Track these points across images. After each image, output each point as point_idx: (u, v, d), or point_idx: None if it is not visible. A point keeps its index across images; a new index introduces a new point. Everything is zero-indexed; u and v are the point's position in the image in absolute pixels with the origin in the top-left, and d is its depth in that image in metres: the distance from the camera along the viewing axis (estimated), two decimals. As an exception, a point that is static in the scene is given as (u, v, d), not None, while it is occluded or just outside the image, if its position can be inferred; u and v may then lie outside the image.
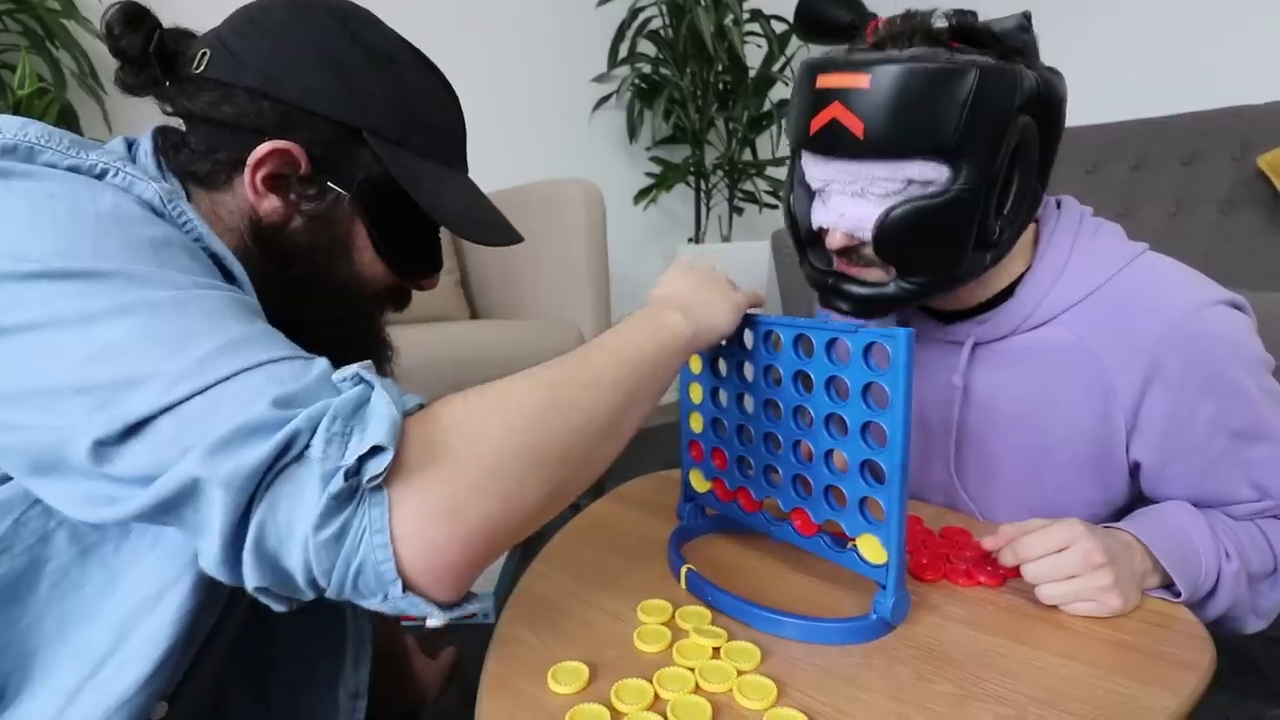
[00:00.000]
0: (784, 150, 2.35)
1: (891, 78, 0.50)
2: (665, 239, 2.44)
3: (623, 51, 2.21)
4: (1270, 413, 0.55)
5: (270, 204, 0.46)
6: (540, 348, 1.39)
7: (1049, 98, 0.54)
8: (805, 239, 0.62)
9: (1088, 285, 0.59)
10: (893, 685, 0.42)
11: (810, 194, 0.60)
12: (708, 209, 2.36)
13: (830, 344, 0.50)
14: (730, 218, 2.36)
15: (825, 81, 0.54)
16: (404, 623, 0.91)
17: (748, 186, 2.36)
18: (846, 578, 0.56)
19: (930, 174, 0.53)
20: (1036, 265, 0.60)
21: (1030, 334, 0.61)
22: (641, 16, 2.18)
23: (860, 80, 0.51)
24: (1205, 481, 0.57)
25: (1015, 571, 0.52)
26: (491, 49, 2.05)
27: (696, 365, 0.62)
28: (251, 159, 0.45)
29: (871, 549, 0.49)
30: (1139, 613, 0.50)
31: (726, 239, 2.38)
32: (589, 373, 0.42)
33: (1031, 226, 0.61)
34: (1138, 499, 0.62)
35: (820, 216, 0.58)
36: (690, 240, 2.36)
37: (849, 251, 0.58)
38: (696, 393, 0.62)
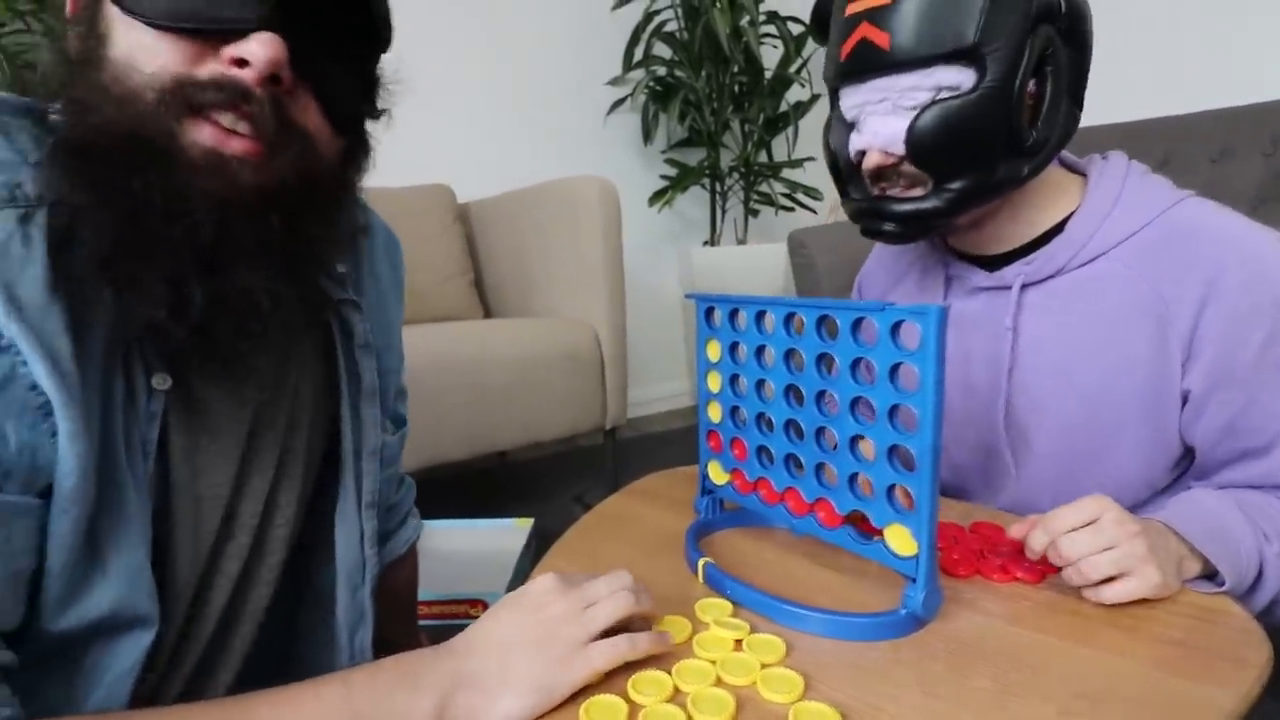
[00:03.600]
0: (801, 152, 2.34)
1: None
2: (679, 242, 2.43)
3: (638, 54, 2.21)
4: None
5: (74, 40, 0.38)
6: (554, 346, 1.38)
7: (1071, 13, 0.56)
8: (845, 173, 0.64)
9: (1141, 219, 0.59)
10: (926, 681, 0.40)
11: (847, 127, 0.62)
12: (723, 211, 2.34)
13: (856, 324, 0.48)
14: (746, 220, 2.34)
15: (854, 7, 0.58)
16: (421, 621, 0.90)
17: (764, 189, 2.34)
18: (873, 573, 0.54)
19: (956, 79, 0.55)
20: (1086, 202, 0.61)
21: (1081, 270, 0.61)
22: (657, 19, 2.18)
23: None
24: (1245, 413, 0.56)
25: (1053, 568, 0.50)
26: (507, 53, 2.06)
27: (715, 353, 0.60)
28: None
29: (900, 540, 0.46)
30: (1184, 608, 0.47)
31: (742, 242, 2.36)
32: None
33: (1078, 178, 0.64)
34: (1175, 483, 0.60)
35: (857, 142, 0.61)
36: (706, 243, 2.35)
37: (887, 174, 0.60)
38: (715, 381, 0.60)
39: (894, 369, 0.45)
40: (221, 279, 0.36)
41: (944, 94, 0.55)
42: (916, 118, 0.56)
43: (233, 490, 0.45)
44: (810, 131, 2.41)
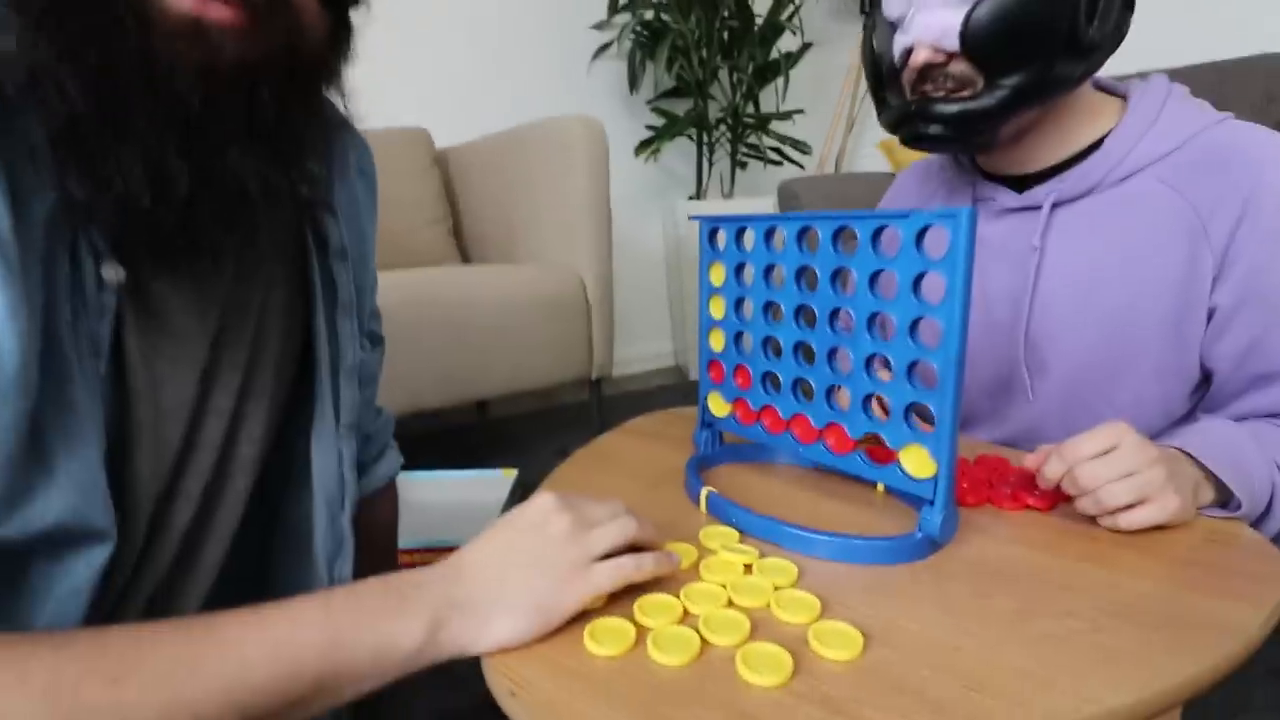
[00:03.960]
0: (791, 104, 2.28)
1: None
2: (665, 197, 2.37)
3: (623, -2, 2.12)
4: None
5: None
6: (538, 291, 1.33)
7: None
8: (887, 77, 0.61)
9: (1179, 137, 0.57)
10: (946, 602, 0.38)
11: (890, 28, 0.60)
12: (710, 164, 2.28)
13: (877, 234, 0.45)
14: (733, 174, 2.29)
15: None
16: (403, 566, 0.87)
17: (753, 140, 2.28)
18: (879, 504, 0.52)
19: None
20: (1126, 120, 0.60)
21: (1115, 189, 0.60)
22: (644, -41, 2.09)
23: None
24: (1269, 334, 0.55)
25: (1064, 495, 0.48)
26: (486, -10, 1.96)
27: (718, 276, 0.57)
28: None
29: (918, 461, 0.44)
30: (1199, 533, 0.46)
31: (729, 196, 2.31)
32: (185, 680, 0.29)
33: (1117, 100, 0.62)
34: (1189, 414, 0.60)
35: (903, 41, 0.58)
36: (691, 197, 2.29)
37: (933, 74, 0.57)
38: (717, 306, 0.57)
39: (918, 280, 0.43)
40: (210, 159, 0.32)
41: None
42: (974, 7, 0.53)
43: (195, 403, 0.41)
44: (800, 83, 2.35)
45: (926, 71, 0.57)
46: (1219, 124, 0.57)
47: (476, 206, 1.63)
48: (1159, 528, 0.46)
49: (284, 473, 0.49)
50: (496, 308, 1.24)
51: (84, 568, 0.34)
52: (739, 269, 0.55)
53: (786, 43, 2.26)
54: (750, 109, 2.26)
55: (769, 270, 0.52)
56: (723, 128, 2.26)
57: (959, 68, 0.56)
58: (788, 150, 2.27)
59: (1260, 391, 0.56)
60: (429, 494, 1.14)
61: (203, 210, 0.33)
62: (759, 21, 2.15)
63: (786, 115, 2.23)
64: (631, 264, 2.27)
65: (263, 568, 0.51)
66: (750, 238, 0.54)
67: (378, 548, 0.66)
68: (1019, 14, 0.53)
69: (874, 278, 0.45)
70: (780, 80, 2.24)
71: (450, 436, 1.72)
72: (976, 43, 0.54)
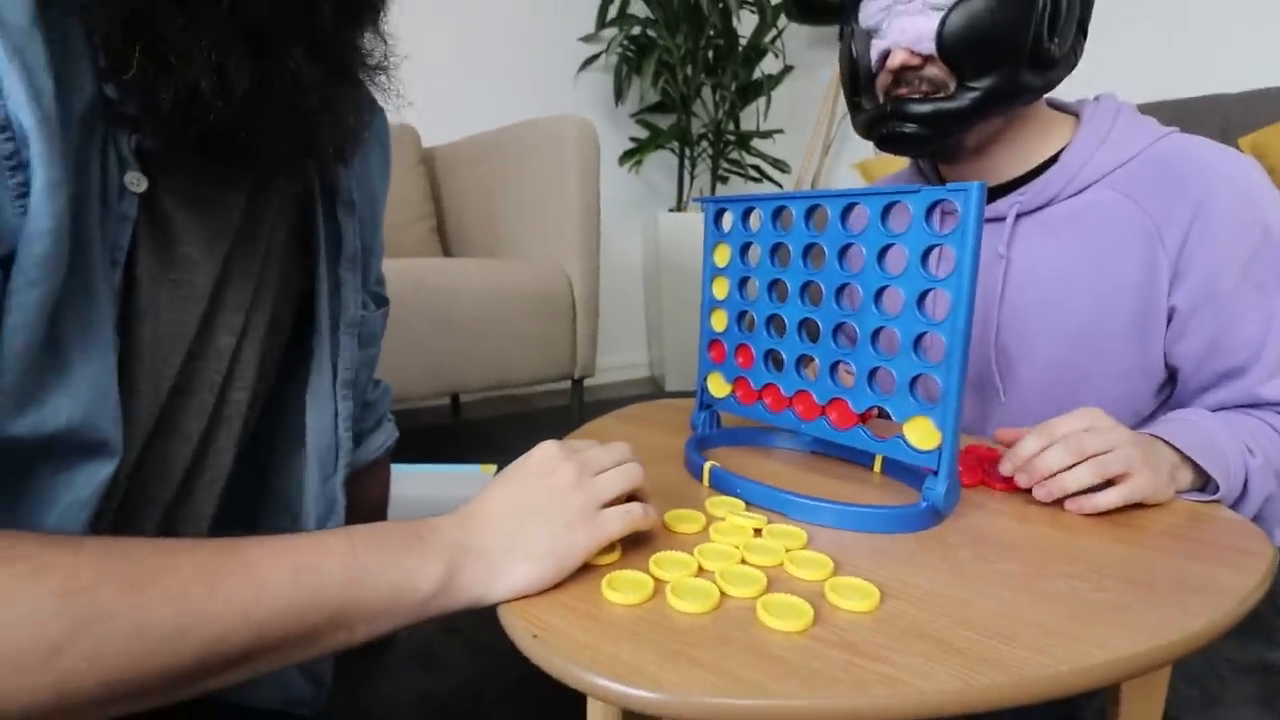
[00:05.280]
0: (771, 124, 2.33)
1: None
2: (646, 209, 2.39)
3: (613, 12, 2.15)
4: None
5: None
6: (524, 286, 1.32)
7: None
8: (863, 82, 0.64)
9: (1131, 149, 0.61)
10: (954, 565, 0.39)
11: (867, 35, 0.63)
12: (691, 178, 2.32)
13: (887, 210, 0.46)
14: (714, 188, 2.33)
15: None
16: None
17: (733, 156, 2.33)
18: (879, 482, 0.53)
19: None
20: (1079, 135, 0.63)
21: (1074, 199, 0.63)
22: (634, -25, 2.13)
23: None
24: (1227, 331, 0.58)
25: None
26: (473, 2, 1.97)
27: (723, 257, 0.58)
28: None
29: (922, 433, 0.45)
30: (1182, 514, 0.47)
31: (708, 211, 2.34)
32: (205, 598, 0.28)
33: (1070, 117, 0.66)
34: (1159, 409, 0.63)
35: (880, 45, 0.61)
36: (671, 210, 2.32)
37: (908, 77, 0.60)
38: (721, 287, 0.58)
39: (926, 253, 0.44)
40: (273, 61, 0.32)
41: None
42: (949, 12, 0.57)
43: (196, 336, 0.39)
44: (780, 104, 2.41)
45: (901, 74, 0.60)
46: (1167, 137, 0.61)
47: (462, 205, 1.62)
48: (1142, 507, 0.47)
49: (276, 431, 0.48)
50: (481, 300, 1.23)
51: (89, 479, 0.32)
52: (745, 248, 0.56)
53: (769, 65, 2.32)
54: (732, 126, 2.31)
55: (775, 249, 0.53)
56: (705, 143, 2.29)
57: (932, 70, 0.59)
58: (767, 168, 2.32)
59: (1225, 386, 0.59)
60: (409, 487, 1.11)
61: (259, 112, 0.33)
62: (743, 42, 2.21)
63: (767, 134, 2.28)
64: (610, 273, 2.27)
65: (251, 530, 0.49)
66: (757, 217, 0.55)
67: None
68: (989, 23, 0.57)
69: (882, 253, 0.46)
70: (762, 100, 2.29)
71: (425, 435, 1.68)
72: (951, 46, 0.57)
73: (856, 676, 0.28)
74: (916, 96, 0.60)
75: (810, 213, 0.51)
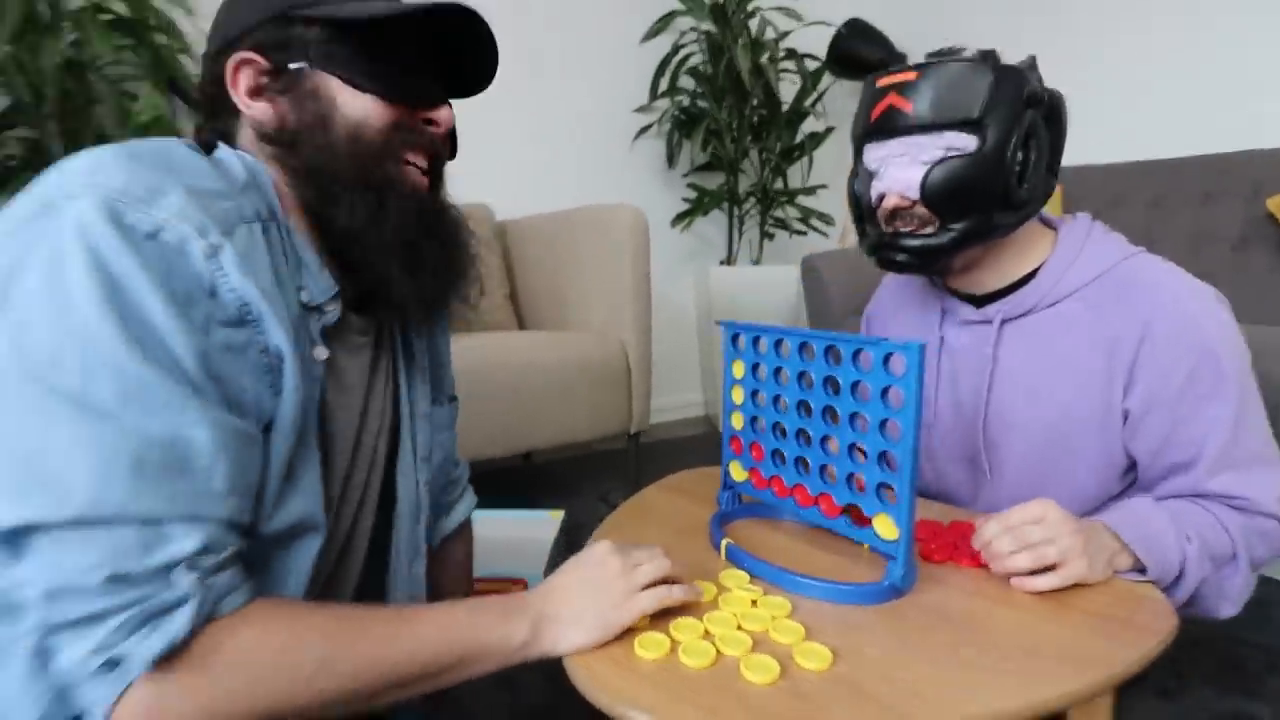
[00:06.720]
0: (815, 179, 2.46)
1: (933, 70, 0.69)
2: (698, 261, 2.55)
3: (664, 85, 2.34)
4: (1233, 381, 0.66)
5: (260, 109, 0.52)
6: (585, 357, 1.51)
7: (1052, 105, 0.70)
8: (865, 213, 0.77)
9: (1097, 269, 0.72)
10: (900, 634, 0.52)
11: (870, 176, 0.75)
12: (740, 233, 2.47)
13: (856, 354, 0.60)
14: (761, 243, 2.47)
15: (884, 81, 0.72)
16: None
17: (779, 213, 2.47)
18: (863, 554, 0.65)
19: (962, 142, 0.68)
20: (1054, 255, 0.74)
21: (1049, 310, 0.74)
22: (683, 53, 2.32)
23: (910, 75, 0.70)
24: (1175, 432, 0.67)
25: None
26: (543, 81, 2.21)
27: (739, 371, 0.72)
28: (229, 82, 0.52)
29: (886, 526, 0.58)
30: (1113, 592, 0.58)
31: (757, 263, 2.48)
32: (389, 645, 0.45)
33: (1051, 233, 0.77)
34: (1123, 493, 0.72)
35: (878, 187, 0.73)
36: (722, 263, 2.47)
37: (901, 214, 0.72)
38: (738, 394, 0.73)
39: (884, 390, 0.57)
40: (418, 279, 0.55)
41: (952, 153, 0.68)
42: (930, 169, 0.69)
43: (356, 435, 0.58)
44: (823, 161, 2.54)
45: (896, 211, 0.73)
46: (1130, 258, 0.72)
47: (531, 277, 1.83)
48: (1081, 586, 0.58)
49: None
50: (549, 370, 1.43)
51: (306, 553, 0.50)
52: (755, 366, 0.71)
53: (810, 125, 2.46)
54: (779, 184, 2.45)
55: (777, 371, 0.68)
56: (752, 200, 2.44)
57: (921, 210, 0.71)
58: (812, 222, 2.45)
59: (1175, 478, 0.68)
60: (487, 530, 1.29)
61: (429, 287, 0.56)
62: (785, 106, 2.36)
63: (811, 190, 2.41)
64: (666, 322, 2.44)
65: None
66: (764, 343, 0.69)
67: (459, 575, 0.82)
68: (964, 177, 0.68)
69: (854, 385, 0.60)
70: (805, 159, 2.43)
71: (501, 480, 1.88)
72: (932, 195, 0.69)
73: (803, 717, 0.42)
74: (907, 231, 0.73)
75: (802, 347, 0.65)
